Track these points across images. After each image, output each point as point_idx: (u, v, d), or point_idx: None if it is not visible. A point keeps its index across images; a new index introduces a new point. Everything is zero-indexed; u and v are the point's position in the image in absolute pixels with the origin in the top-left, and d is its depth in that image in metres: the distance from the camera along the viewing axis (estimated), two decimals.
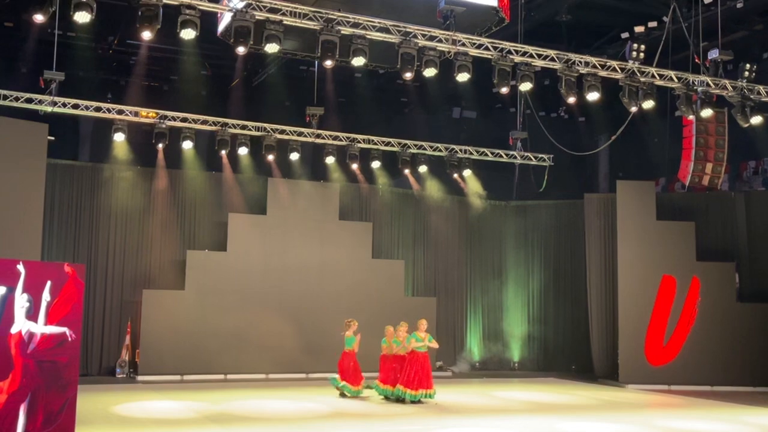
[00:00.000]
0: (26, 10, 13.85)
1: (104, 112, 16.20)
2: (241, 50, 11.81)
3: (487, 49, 12.90)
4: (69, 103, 15.59)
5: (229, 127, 17.36)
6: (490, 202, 21.36)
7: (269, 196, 18.91)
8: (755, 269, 18.76)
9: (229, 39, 12.17)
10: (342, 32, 11.99)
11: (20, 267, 8.03)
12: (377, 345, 15.13)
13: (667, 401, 15.94)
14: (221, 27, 13.41)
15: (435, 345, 14.59)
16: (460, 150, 19.17)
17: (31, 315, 8.03)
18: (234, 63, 18.22)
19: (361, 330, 15.83)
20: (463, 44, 12.72)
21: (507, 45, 12.99)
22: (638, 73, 13.62)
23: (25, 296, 8.00)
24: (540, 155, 19.23)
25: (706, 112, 14.28)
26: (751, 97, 14.11)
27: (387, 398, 14.65)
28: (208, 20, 12.43)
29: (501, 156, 19.30)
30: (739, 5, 15.38)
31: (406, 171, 19.35)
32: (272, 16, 11.67)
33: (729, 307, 18.20)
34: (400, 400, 14.09)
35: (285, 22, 11.76)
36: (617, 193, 18.89)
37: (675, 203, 19.64)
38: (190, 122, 17.00)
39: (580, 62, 13.40)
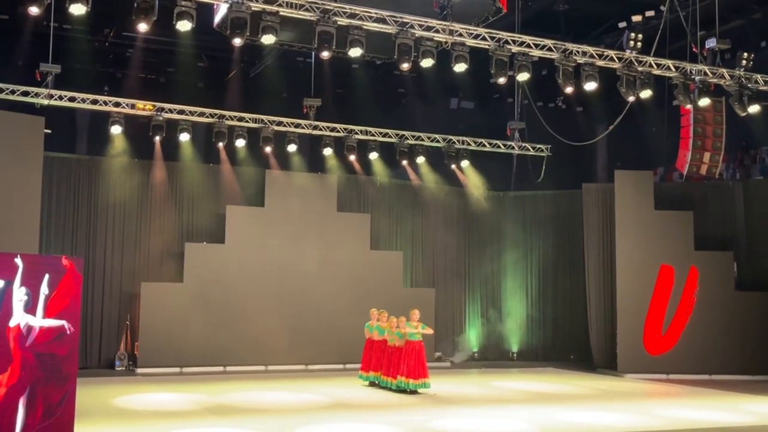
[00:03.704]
0: (21, 2, 13.78)
1: (101, 104, 16.18)
2: (237, 42, 11.79)
3: (484, 39, 12.86)
4: (65, 96, 15.56)
5: (227, 119, 17.35)
6: (488, 193, 21.34)
7: (267, 188, 18.89)
8: (753, 258, 18.79)
9: (226, 30, 12.12)
10: (339, 23, 11.96)
11: (18, 260, 8.02)
12: None
13: (666, 390, 15.99)
14: (217, 18, 13.36)
15: (430, 331, 14.70)
16: (458, 141, 19.17)
17: (30, 308, 8.02)
18: (231, 55, 18.18)
19: (359, 321, 15.89)
20: (461, 34, 12.68)
21: (504, 35, 12.95)
22: (636, 63, 13.60)
23: (23, 289, 7.99)
24: (538, 145, 19.23)
25: (704, 102, 14.26)
26: (749, 86, 14.09)
27: (372, 384, 14.89)
28: (204, 12, 12.40)
29: (499, 146, 19.30)
30: None
31: (404, 162, 19.37)
32: (268, 7, 11.62)
33: (727, 296, 18.23)
34: (401, 390, 14.17)
35: (281, 13, 11.71)
36: (615, 183, 18.90)
37: (673, 193, 19.64)
38: (187, 114, 16.99)
39: (578, 52, 13.37)
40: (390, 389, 14.38)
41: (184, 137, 17.15)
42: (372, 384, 15.00)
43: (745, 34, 17.17)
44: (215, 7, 12.92)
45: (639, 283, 18.37)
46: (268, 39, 11.81)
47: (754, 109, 14.27)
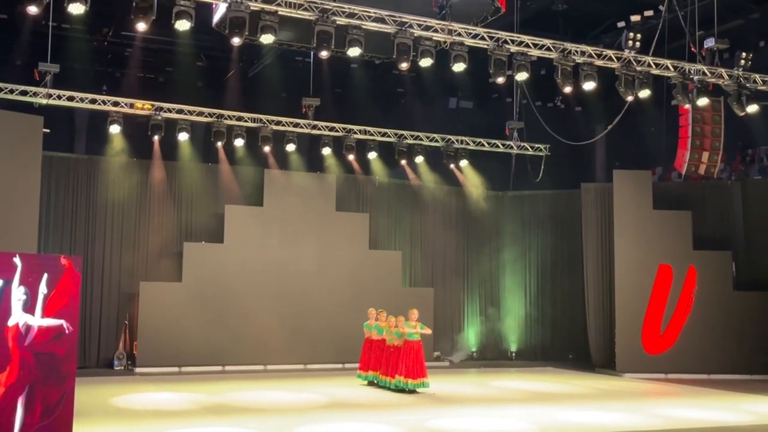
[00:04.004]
0: (20, 1, 13.77)
1: (100, 104, 16.18)
2: (236, 41, 11.78)
3: (483, 38, 12.87)
4: (64, 96, 15.56)
5: (225, 119, 17.36)
6: (487, 193, 21.36)
7: (266, 187, 18.89)
8: (751, 258, 18.80)
9: (224, 30, 12.13)
10: (337, 22, 11.96)
11: (17, 260, 8.01)
12: None
13: (665, 390, 16.00)
14: (216, 18, 13.38)
15: (428, 331, 14.72)
16: (457, 140, 19.18)
17: (28, 307, 8.02)
18: (229, 54, 18.19)
19: (358, 321, 15.88)
20: (459, 34, 12.69)
21: (503, 34, 12.95)
22: (634, 62, 13.60)
23: (22, 289, 7.98)
24: (536, 145, 19.25)
25: (702, 101, 14.27)
26: (747, 85, 14.10)
27: (370, 384, 14.93)
28: (203, 11, 12.41)
29: (497, 146, 19.31)
30: None
31: (403, 162, 19.38)
32: (267, 7, 11.63)
33: (725, 296, 18.25)
34: (400, 390, 14.17)
35: (280, 13, 11.71)
36: (614, 182, 18.90)
37: (671, 192, 19.65)
38: (185, 114, 16.99)
39: (576, 51, 13.37)
40: (388, 389, 14.38)
41: (183, 137, 17.15)
42: (370, 383, 15.01)
43: (743, 34, 17.19)
44: (214, 6, 12.93)
45: (637, 283, 18.38)
46: (266, 38, 11.81)
47: (752, 108, 14.29)
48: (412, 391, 14.11)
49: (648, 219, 18.64)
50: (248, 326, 18.06)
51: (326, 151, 18.44)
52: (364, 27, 12.23)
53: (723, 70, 14.00)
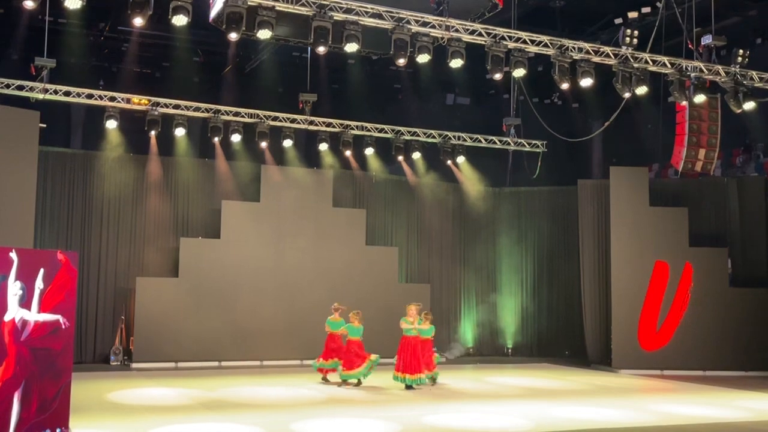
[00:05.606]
0: None
1: (96, 99, 16.16)
2: (233, 36, 11.77)
3: (480, 35, 12.87)
4: (60, 90, 15.54)
5: (222, 114, 17.34)
6: (483, 189, 21.37)
7: (263, 183, 18.88)
8: (747, 254, 18.83)
9: (221, 25, 12.12)
10: (335, 18, 11.96)
11: (13, 255, 8.00)
12: (368, 331, 15.14)
13: (660, 386, 16.03)
14: (213, 13, 13.33)
15: (426, 327, 14.71)
16: (454, 137, 19.18)
17: (25, 303, 8.01)
18: (226, 49, 18.18)
19: None
20: (457, 30, 12.69)
21: (500, 31, 12.96)
22: (631, 59, 13.60)
23: (18, 284, 7.97)
24: (533, 141, 19.26)
25: (699, 98, 14.29)
26: (744, 82, 14.12)
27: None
28: (200, 6, 12.39)
29: (494, 142, 19.33)
30: None
31: (400, 158, 19.37)
32: (264, 2, 11.62)
33: (721, 293, 18.27)
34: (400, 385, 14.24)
35: (277, 8, 11.72)
36: (610, 179, 18.90)
37: (668, 189, 19.67)
38: (182, 109, 16.97)
39: (574, 48, 13.38)
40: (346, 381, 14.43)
41: (180, 132, 17.15)
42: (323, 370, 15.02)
43: (740, 31, 17.22)
44: (211, 1, 12.90)
45: (634, 279, 18.40)
46: (263, 34, 11.81)
47: (749, 105, 14.30)
48: (408, 387, 14.12)
49: (644, 216, 18.65)
50: (245, 322, 18.06)
51: (323, 146, 18.44)
52: (361, 23, 12.23)
53: (720, 67, 14.02)
